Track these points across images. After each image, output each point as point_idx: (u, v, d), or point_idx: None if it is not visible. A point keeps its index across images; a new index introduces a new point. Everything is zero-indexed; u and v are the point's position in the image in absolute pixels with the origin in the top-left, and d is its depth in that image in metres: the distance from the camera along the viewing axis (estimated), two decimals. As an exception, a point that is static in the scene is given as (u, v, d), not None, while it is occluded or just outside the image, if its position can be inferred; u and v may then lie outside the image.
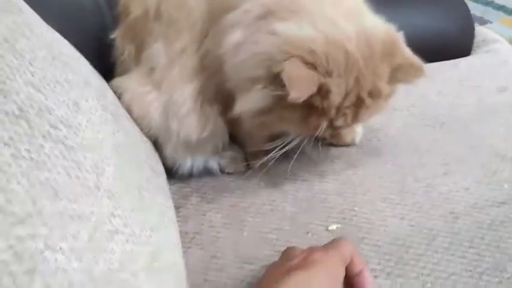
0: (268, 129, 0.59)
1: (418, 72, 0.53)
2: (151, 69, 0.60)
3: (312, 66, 0.48)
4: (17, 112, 0.34)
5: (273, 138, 0.59)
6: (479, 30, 1.02)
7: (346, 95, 0.50)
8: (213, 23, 0.57)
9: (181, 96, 0.59)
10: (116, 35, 0.63)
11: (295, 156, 0.60)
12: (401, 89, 0.82)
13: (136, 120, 0.61)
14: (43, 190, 0.32)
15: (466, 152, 0.68)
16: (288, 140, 0.56)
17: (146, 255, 0.41)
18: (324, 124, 0.52)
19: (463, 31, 0.99)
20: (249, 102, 0.52)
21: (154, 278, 0.40)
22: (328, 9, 0.52)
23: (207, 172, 0.68)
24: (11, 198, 0.29)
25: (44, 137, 0.35)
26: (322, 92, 0.49)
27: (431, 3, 0.98)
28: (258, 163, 0.65)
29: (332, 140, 0.70)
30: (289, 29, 0.50)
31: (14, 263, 0.27)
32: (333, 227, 0.57)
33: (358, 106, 0.52)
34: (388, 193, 0.61)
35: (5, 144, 0.31)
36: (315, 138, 0.56)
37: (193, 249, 0.57)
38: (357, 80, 0.50)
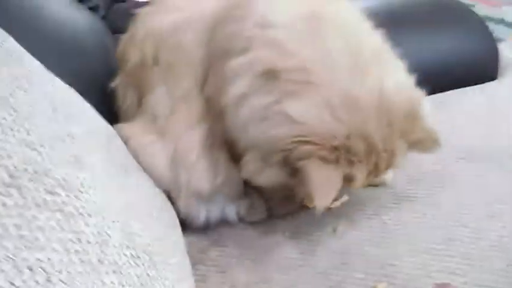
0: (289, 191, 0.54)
1: (434, 145, 0.53)
2: (155, 117, 0.57)
3: (335, 160, 0.47)
4: (7, 180, 0.29)
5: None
6: (503, 52, 0.97)
7: (366, 177, 0.50)
8: (212, 65, 0.54)
9: (188, 142, 0.55)
10: (116, 83, 0.60)
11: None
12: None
13: (145, 171, 0.56)
14: (32, 276, 0.26)
15: (508, 190, 0.60)
16: None
17: None
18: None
19: (488, 53, 0.95)
20: (262, 181, 0.51)
21: None
22: (342, 75, 0.48)
23: (225, 222, 0.61)
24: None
25: (38, 206, 0.30)
26: (346, 178, 0.48)
27: (453, 25, 0.94)
28: (281, 211, 0.60)
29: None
30: (305, 114, 0.47)
31: None
32: (381, 285, 0.49)
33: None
34: (431, 242, 0.54)
35: (-12, 222, 0.26)
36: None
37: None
38: (376, 164, 0.49)
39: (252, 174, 0.52)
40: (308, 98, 0.47)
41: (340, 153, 0.47)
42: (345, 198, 0.62)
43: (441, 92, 0.85)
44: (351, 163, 0.48)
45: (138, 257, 0.39)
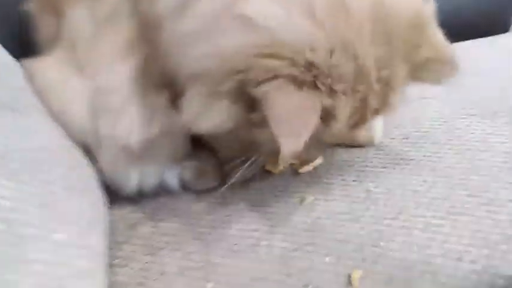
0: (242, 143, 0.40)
1: (449, 70, 0.38)
2: (72, 46, 0.43)
3: (311, 84, 0.32)
4: None
5: (253, 145, 0.39)
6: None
7: (350, 117, 0.35)
8: None
9: (113, 80, 0.41)
10: (30, 5, 0.46)
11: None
12: None
13: (56, 117, 0.43)
14: None
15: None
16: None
17: None
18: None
19: (501, 5, 0.88)
20: (207, 124, 0.36)
21: None
22: None
23: (165, 189, 0.48)
24: None
25: None
26: (322, 115, 0.33)
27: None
28: (236, 175, 0.46)
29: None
30: (270, 15, 0.32)
31: None
32: (356, 274, 0.35)
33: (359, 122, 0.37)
34: (430, 216, 0.40)
35: None
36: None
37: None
38: (364, 101, 0.35)
39: (195, 116, 0.36)
40: None
41: (318, 73, 0.32)
42: (318, 161, 0.48)
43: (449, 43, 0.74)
44: (332, 92, 0.33)
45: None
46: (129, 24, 0.41)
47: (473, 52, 0.72)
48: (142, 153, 0.43)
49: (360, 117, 0.36)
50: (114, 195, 0.47)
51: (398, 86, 0.36)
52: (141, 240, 0.44)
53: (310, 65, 0.32)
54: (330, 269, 0.37)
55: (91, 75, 0.42)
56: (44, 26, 0.48)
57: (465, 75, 0.62)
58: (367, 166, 0.47)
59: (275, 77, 0.32)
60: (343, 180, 0.46)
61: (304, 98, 0.32)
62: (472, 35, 0.77)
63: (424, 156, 0.48)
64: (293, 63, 0.32)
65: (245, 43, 0.32)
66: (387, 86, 0.36)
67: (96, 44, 0.42)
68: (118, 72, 0.41)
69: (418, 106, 0.56)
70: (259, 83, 0.32)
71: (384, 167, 0.47)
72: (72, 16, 0.43)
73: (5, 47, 0.46)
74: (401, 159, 0.48)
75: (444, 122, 0.53)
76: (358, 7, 0.33)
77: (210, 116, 0.36)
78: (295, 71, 0.32)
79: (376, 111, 0.37)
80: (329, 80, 0.33)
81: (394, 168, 0.47)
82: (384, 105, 0.37)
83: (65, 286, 0.29)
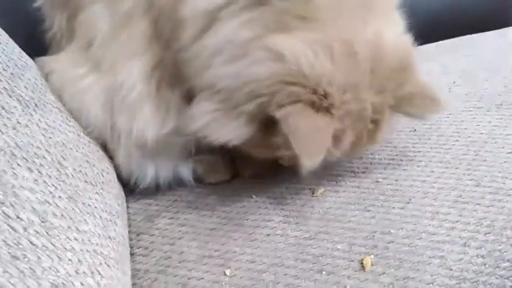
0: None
1: (433, 106, 0.42)
2: (88, 43, 0.44)
3: (326, 110, 0.37)
4: None
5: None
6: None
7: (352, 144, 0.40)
8: None
9: (129, 76, 0.42)
10: (41, 1, 0.47)
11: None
12: (436, 66, 0.66)
13: (72, 114, 0.44)
14: None
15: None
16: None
17: None
18: None
19: None
20: (218, 135, 0.39)
21: None
22: (347, 16, 0.37)
23: (179, 183, 0.49)
24: None
25: None
26: (333, 137, 0.38)
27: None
28: (248, 171, 0.48)
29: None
30: (299, 53, 0.36)
31: None
32: (367, 259, 0.37)
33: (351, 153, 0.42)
34: (438, 205, 0.42)
35: None
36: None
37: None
38: (359, 136, 0.40)
39: (207, 129, 0.39)
40: (303, 35, 0.36)
41: (333, 102, 0.36)
42: None
43: (456, 36, 0.75)
44: (342, 120, 0.37)
45: (18, 217, 0.28)
46: (145, 22, 0.42)
47: (479, 45, 0.72)
48: (158, 148, 0.45)
49: (353, 149, 0.40)
50: (130, 188, 0.49)
51: (385, 126, 0.41)
52: (160, 231, 0.45)
53: (326, 95, 0.36)
54: (343, 256, 0.38)
55: (108, 71, 0.43)
56: (55, 23, 0.48)
57: (473, 69, 0.64)
58: (375, 158, 0.49)
59: (297, 101, 0.36)
60: (352, 172, 0.47)
61: (320, 119, 0.36)
62: (477, 28, 0.76)
63: (431, 148, 0.49)
64: (313, 91, 0.36)
65: (273, 71, 0.36)
66: (377, 127, 0.40)
67: (114, 40, 0.43)
68: (133, 68, 0.42)
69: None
70: (281, 106, 0.36)
71: (392, 159, 0.49)
72: (89, 13, 0.44)
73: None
74: (408, 151, 0.50)
75: (450, 114, 0.54)
76: (364, 53, 0.37)
77: (224, 131, 0.39)
78: (314, 98, 0.36)
79: (366, 145, 0.42)
80: (340, 112, 0.37)
81: (402, 160, 0.48)
82: (372, 141, 0.42)
83: (97, 273, 0.30)
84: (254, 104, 0.37)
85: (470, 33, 0.76)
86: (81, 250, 0.31)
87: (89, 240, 0.33)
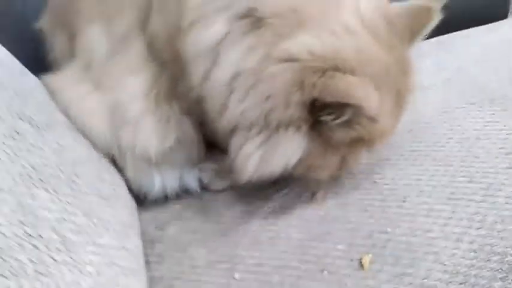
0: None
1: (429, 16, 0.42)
2: (88, 63, 0.46)
3: (351, 73, 0.36)
4: None
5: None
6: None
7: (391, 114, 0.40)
8: None
9: (128, 94, 0.44)
10: (41, 23, 0.49)
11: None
12: (430, 63, 0.67)
13: (80, 131, 0.46)
14: None
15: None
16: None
17: None
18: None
19: None
20: (278, 159, 0.38)
21: None
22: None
23: (187, 191, 0.52)
24: None
25: None
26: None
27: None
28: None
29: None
30: (306, 45, 0.36)
31: None
32: (366, 258, 0.40)
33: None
34: (433, 202, 0.44)
35: None
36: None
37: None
38: (398, 93, 0.40)
39: (259, 165, 0.38)
40: (304, 34, 0.36)
41: (358, 65, 0.36)
42: None
43: (448, 32, 0.75)
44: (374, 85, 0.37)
45: (40, 236, 0.30)
46: (141, 43, 0.44)
47: (471, 40, 0.73)
48: (163, 161, 0.47)
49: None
50: (141, 199, 0.51)
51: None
52: (171, 239, 0.48)
53: (348, 61, 0.36)
54: (343, 255, 0.41)
55: (108, 90, 0.45)
56: (57, 44, 0.50)
57: (465, 65, 0.65)
58: (373, 159, 0.51)
59: (325, 71, 0.35)
60: (350, 173, 0.50)
61: (353, 78, 0.36)
62: (470, 22, 0.77)
63: (426, 146, 0.51)
64: (335, 66, 0.36)
65: (292, 68, 0.36)
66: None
67: (112, 61, 0.45)
68: (132, 86, 0.44)
69: (419, 96, 0.59)
70: (314, 85, 0.35)
71: (388, 159, 0.50)
72: (87, 35, 0.46)
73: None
74: (404, 150, 0.51)
75: (444, 112, 0.55)
76: (358, 28, 0.38)
77: (279, 155, 0.38)
78: (338, 66, 0.36)
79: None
80: (367, 75, 0.37)
81: (398, 160, 0.50)
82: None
83: (118, 284, 0.33)
84: (291, 107, 0.36)
85: (463, 26, 0.76)
86: (99, 263, 0.34)
87: (106, 253, 0.35)
